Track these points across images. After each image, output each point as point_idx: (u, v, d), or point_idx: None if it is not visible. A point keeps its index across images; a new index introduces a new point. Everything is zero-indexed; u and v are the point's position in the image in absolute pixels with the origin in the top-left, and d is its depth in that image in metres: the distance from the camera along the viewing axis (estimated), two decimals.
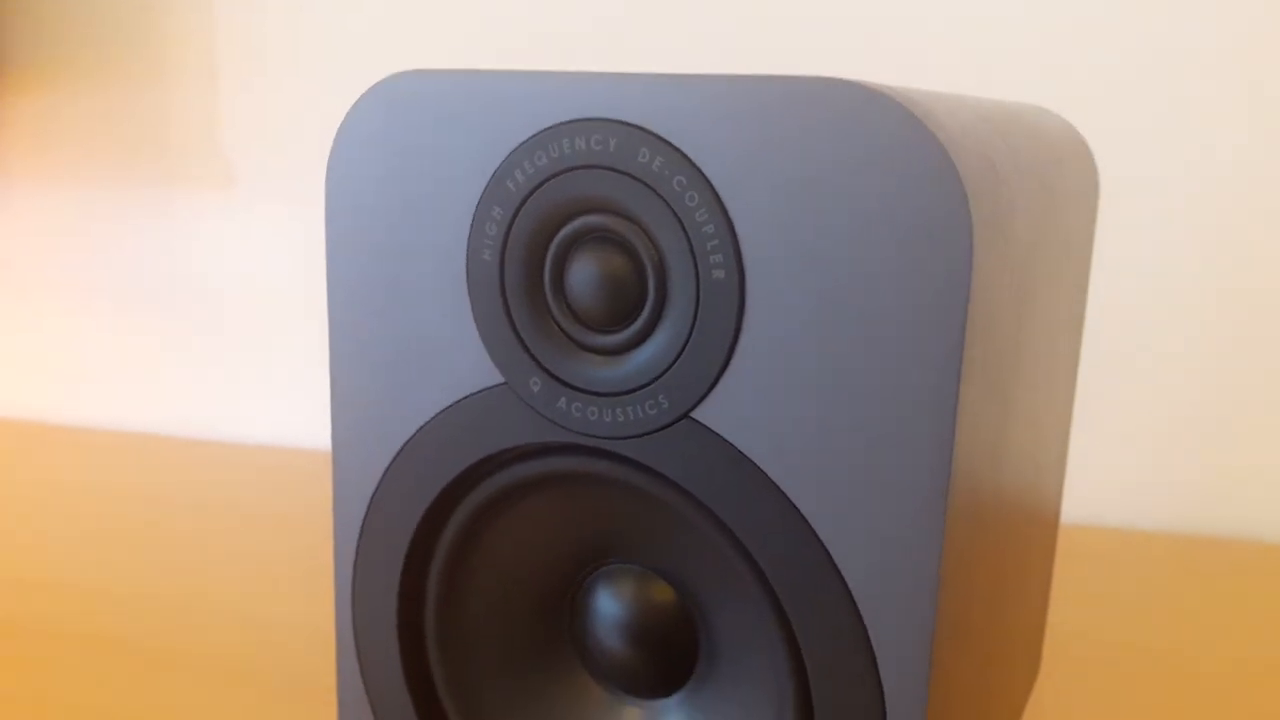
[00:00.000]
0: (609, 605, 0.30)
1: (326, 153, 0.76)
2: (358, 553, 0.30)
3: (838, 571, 0.24)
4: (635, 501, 0.28)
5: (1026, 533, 0.34)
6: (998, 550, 0.29)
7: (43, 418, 0.86)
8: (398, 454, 0.29)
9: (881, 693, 0.25)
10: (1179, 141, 0.64)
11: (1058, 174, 0.32)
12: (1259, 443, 0.66)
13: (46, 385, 0.85)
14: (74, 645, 0.48)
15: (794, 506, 0.25)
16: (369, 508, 0.30)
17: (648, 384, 0.26)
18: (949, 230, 0.22)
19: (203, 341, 0.81)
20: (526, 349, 0.27)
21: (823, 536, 0.24)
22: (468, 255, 0.27)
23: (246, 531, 0.63)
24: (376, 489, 0.30)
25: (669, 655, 0.30)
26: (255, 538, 0.62)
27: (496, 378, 0.28)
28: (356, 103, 0.28)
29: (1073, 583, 0.59)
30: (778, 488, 0.25)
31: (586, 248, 0.26)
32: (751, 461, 0.25)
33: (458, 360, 0.28)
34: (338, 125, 0.26)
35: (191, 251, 0.80)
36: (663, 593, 0.30)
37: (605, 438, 0.26)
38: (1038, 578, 0.38)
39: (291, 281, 0.78)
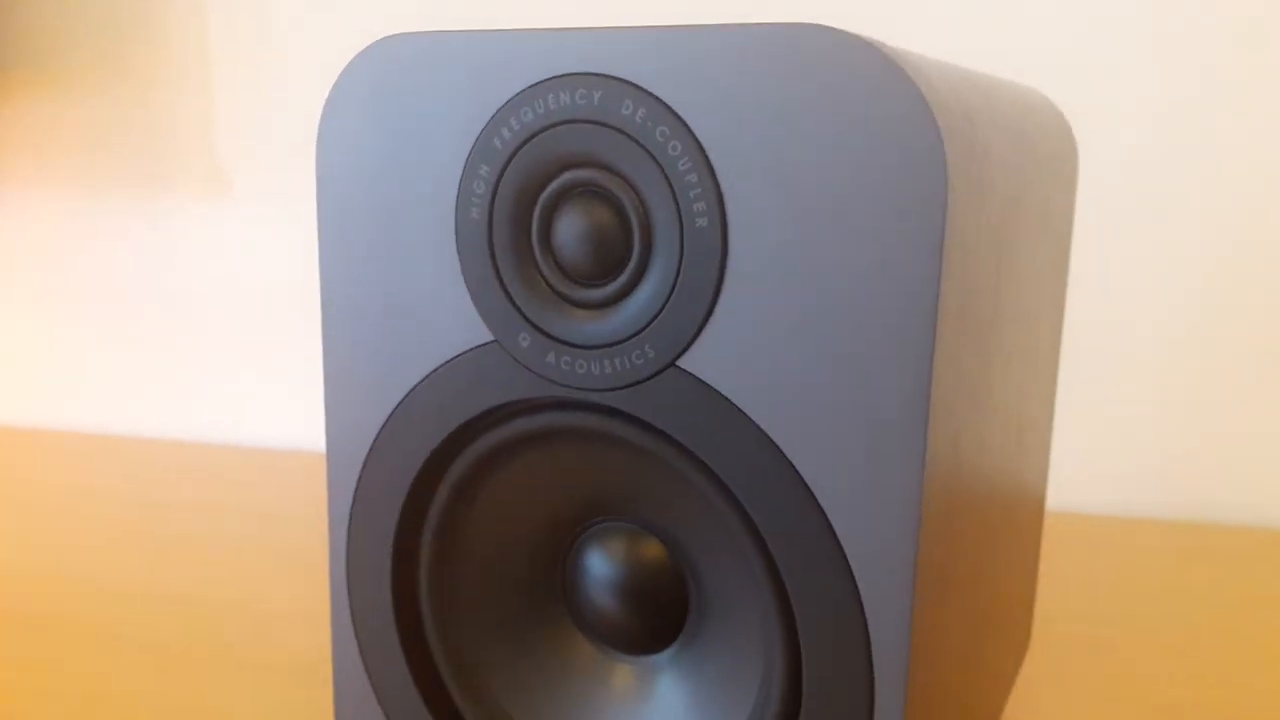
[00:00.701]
0: (600, 563, 0.30)
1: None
2: (352, 513, 0.31)
3: (821, 511, 0.25)
4: (625, 456, 0.28)
5: (1011, 489, 0.34)
6: (981, 498, 0.30)
7: (39, 423, 0.86)
8: (390, 415, 0.30)
9: (868, 637, 0.25)
10: (1167, 129, 0.64)
11: (1036, 138, 0.33)
12: (1246, 429, 0.66)
13: (43, 391, 0.86)
14: (86, 638, 0.49)
15: (778, 448, 0.25)
16: (363, 469, 0.30)
17: (634, 335, 0.26)
18: (923, 169, 0.23)
19: (198, 345, 0.82)
20: (515, 305, 0.27)
21: (806, 478, 0.25)
22: (456, 214, 0.28)
23: (248, 531, 0.64)
24: (370, 450, 0.30)
25: (659, 612, 0.30)
26: (257, 536, 0.63)
27: (486, 335, 0.28)
28: (346, 68, 0.29)
29: (1063, 569, 0.59)
30: (762, 431, 0.25)
31: (572, 203, 0.26)
32: (736, 407, 0.25)
33: (448, 319, 0.28)
34: None
35: (187, 255, 0.80)
36: (653, 550, 0.30)
37: (594, 390, 0.27)
38: (1024, 543, 0.38)
39: (287, 285, 0.79)
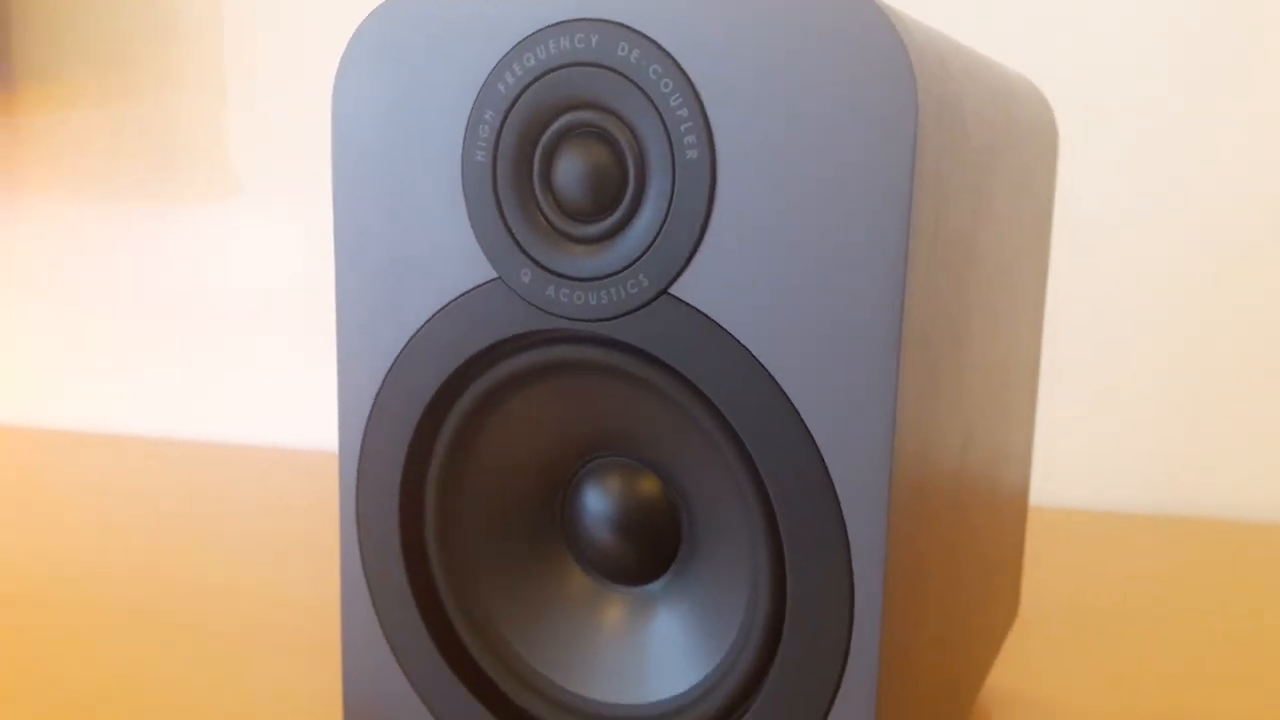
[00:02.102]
0: (597, 497, 0.32)
1: (330, 163, 0.79)
2: (361, 450, 0.32)
3: (805, 428, 0.26)
4: (622, 390, 0.30)
5: (992, 439, 0.35)
6: (959, 434, 0.31)
7: (56, 424, 0.88)
8: (399, 352, 0.31)
9: (848, 552, 0.27)
10: (1162, 124, 0.66)
11: (1013, 104, 0.35)
12: (1233, 426, 0.68)
13: (58, 391, 0.87)
14: (111, 619, 0.50)
15: (763, 368, 0.27)
16: (373, 406, 0.32)
17: (629, 266, 0.28)
18: (896, 99, 0.25)
19: (210, 345, 0.83)
20: (517, 243, 0.29)
21: (790, 395, 0.26)
22: (462, 159, 0.29)
23: (258, 523, 0.65)
24: (379, 387, 0.32)
25: (653, 544, 0.31)
26: (268, 529, 0.64)
27: (490, 273, 0.30)
28: (359, 27, 0.30)
29: (1052, 559, 0.60)
30: (749, 352, 0.27)
31: (572, 143, 0.28)
32: (725, 330, 0.27)
33: (453, 259, 0.30)
34: None
35: (198, 257, 0.82)
36: (648, 484, 0.31)
37: (591, 320, 0.28)
38: (1008, 497, 0.39)
39: (297, 287, 0.81)
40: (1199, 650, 0.48)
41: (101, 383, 0.86)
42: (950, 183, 0.27)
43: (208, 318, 0.83)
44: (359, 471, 0.32)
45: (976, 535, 0.35)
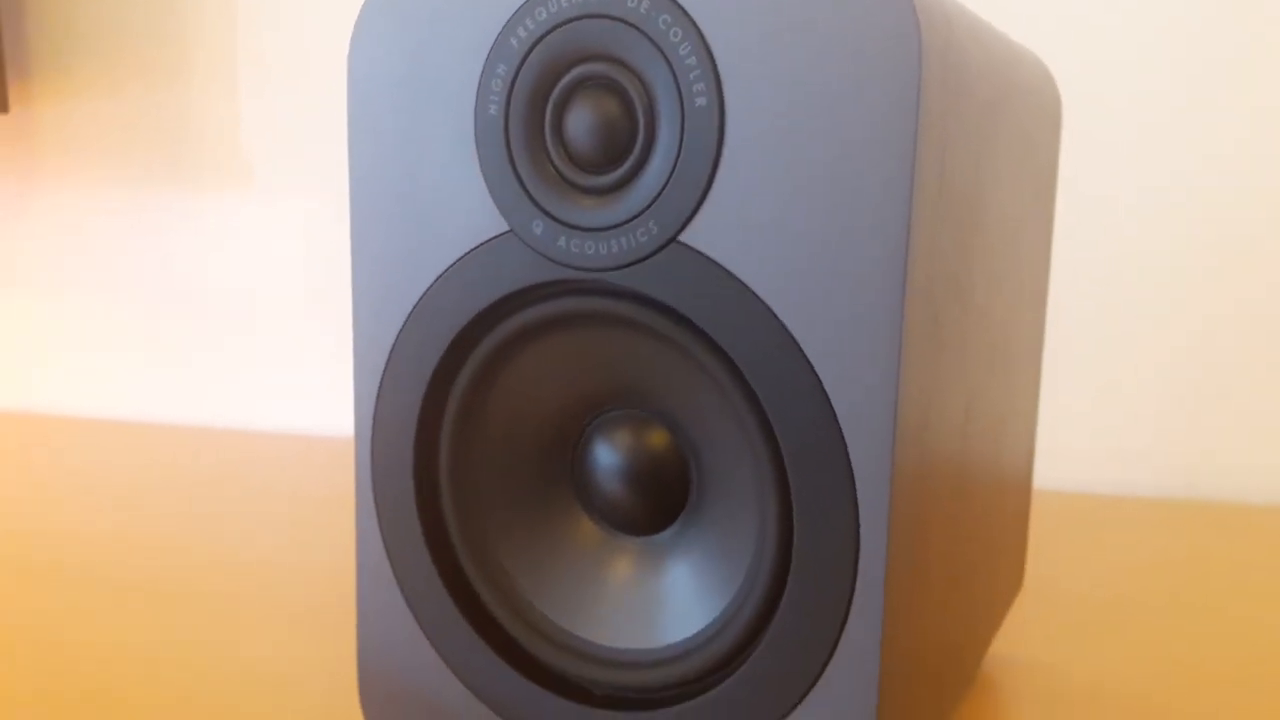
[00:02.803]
0: (608, 449, 0.32)
1: (342, 152, 0.80)
2: (377, 405, 0.33)
3: (812, 369, 0.27)
4: (633, 341, 0.30)
5: (995, 394, 0.36)
6: (961, 384, 0.32)
7: (67, 411, 0.89)
8: (414, 307, 0.32)
9: (854, 494, 0.27)
10: (1161, 120, 0.67)
11: (1016, 69, 0.35)
12: (1237, 412, 0.68)
13: (69, 378, 0.88)
14: (133, 592, 0.51)
15: (771, 312, 0.27)
16: (388, 359, 0.32)
17: (639, 215, 0.28)
18: (901, 50, 0.25)
19: (222, 334, 0.84)
20: (529, 195, 0.30)
21: (798, 338, 0.27)
22: (475, 113, 0.30)
23: (270, 505, 0.66)
24: (395, 341, 0.32)
25: (662, 495, 0.32)
26: (282, 510, 0.65)
27: (502, 226, 0.30)
28: None
29: (1056, 540, 0.61)
30: (757, 297, 0.27)
31: (583, 95, 0.29)
32: (733, 275, 0.27)
33: (466, 213, 0.31)
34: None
35: (211, 248, 0.83)
36: (658, 437, 0.32)
37: (602, 269, 0.29)
38: (1013, 460, 0.40)
39: (309, 275, 0.82)
40: (1197, 622, 0.48)
41: (111, 369, 0.87)
42: (954, 135, 0.28)
43: (220, 306, 0.84)
44: (374, 424, 0.33)
45: (981, 494, 0.35)
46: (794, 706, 0.28)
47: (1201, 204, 0.67)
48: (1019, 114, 0.35)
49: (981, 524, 0.36)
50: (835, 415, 0.27)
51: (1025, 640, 0.46)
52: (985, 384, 0.34)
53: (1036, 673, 0.43)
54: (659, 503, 0.32)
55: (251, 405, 0.85)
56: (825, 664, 0.28)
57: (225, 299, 0.84)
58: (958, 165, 0.29)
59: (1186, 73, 0.66)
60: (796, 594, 0.28)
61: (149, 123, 0.82)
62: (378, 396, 0.33)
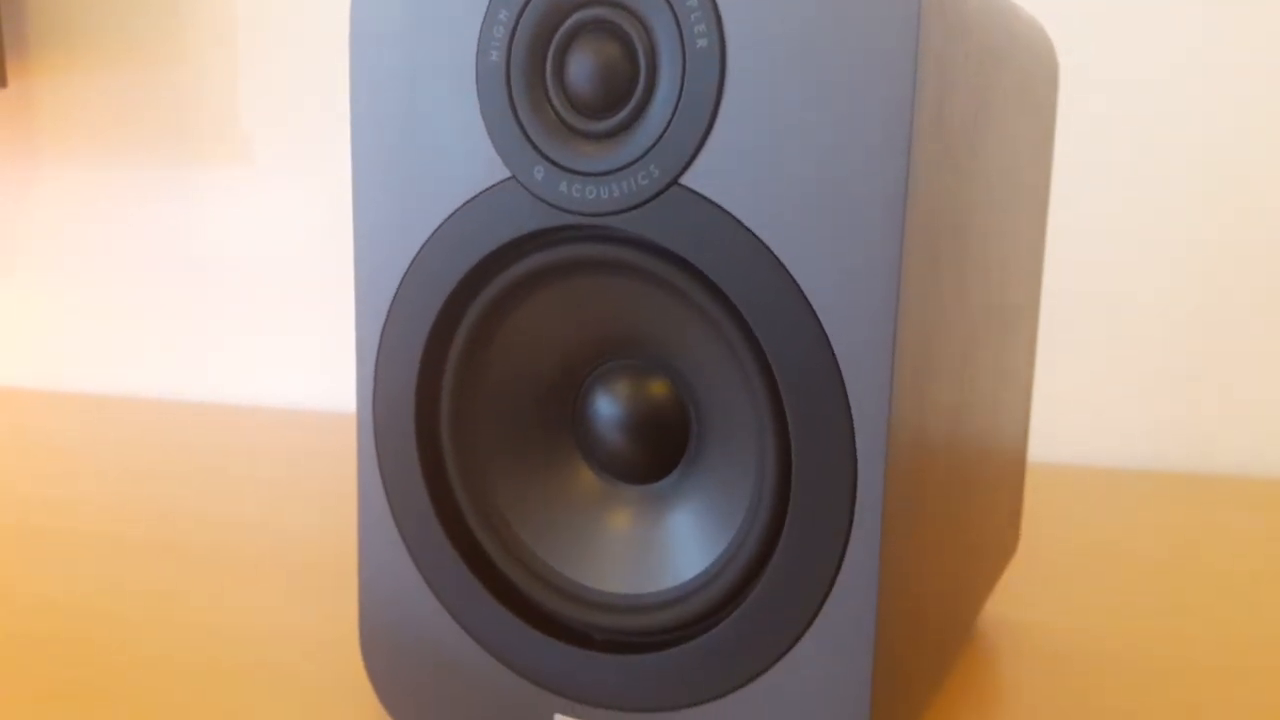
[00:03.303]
0: (608, 400, 0.32)
1: (341, 129, 0.80)
2: (379, 351, 0.33)
3: (810, 309, 0.27)
4: (634, 289, 0.30)
5: (995, 334, 0.36)
6: (959, 327, 0.32)
7: (67, 387, 0.89)
8: (415, 255, 0.32)
9: (852, 431, 0.28)
10: (1168, 79, 0.67)
11: (1016, 21, 0.35)
12: (1239, 384, 0.68)
13: (71, 355, 0.88)
14: (136, 549, 0.51)
15: (771, 252, 0.27)
16: (389, 309, 0.33)
17: (640, 158, 0.28)
18: None
19: (223, 310, 0.84)
20: (530, 141, 0.30)
21: (796, 278, 0.27)
22: (477, 59, 0.30)
23: (271, 477, 0.66)
24: (396, 290, 0.32)
25: (662, 445, 0.32)
26: (281, 481, 0.65)
27: (504, 173, 0.30)
28: None
29: (1051, 510, 0.61)
30: (756, 237, 0.27)
31: (584, 39, 0.29)
32: (733, 217, 0.28)
33: (468, 161, 0.31)
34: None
35: (212, 224, 0.83)
36: (658, 386, 0.32)
37: (604, 214, 0.29)
38: (1010, 415, 0.40)
39: (308, 251, 0.82)
40: (1190, 585, 0.49)
41: (111, 345, 0.87)
42: (953, 75, 0.28)
43: (221, 281, 0.84)
44: (376, 374, 0.33)
45: (977, 443, 0.36)
46: (794, 643, 0.29)
47: (1203, 167, 0.67)
48: (1018, 65, 0.35)
49: (977, 473, 0.36)
50: (835, 356, 0.27)
51: (1021, 602, 0.47)
52: (983, 324, 0.35)
53: (1033, 632, 0.44)
54: (659, 451, 0.32)
55: (251, 379, 0.85)
56: (823, 602, 0.28)
57: (225, 274, 0.84)
58: (956, 110, 0.29)
59: (1194, 39, 0.66)
60: (794, 534, 0.29)
61: (148, 97, 0.82)
62: (380, 347, 0.33)
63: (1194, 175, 0.67)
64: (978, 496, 0.37)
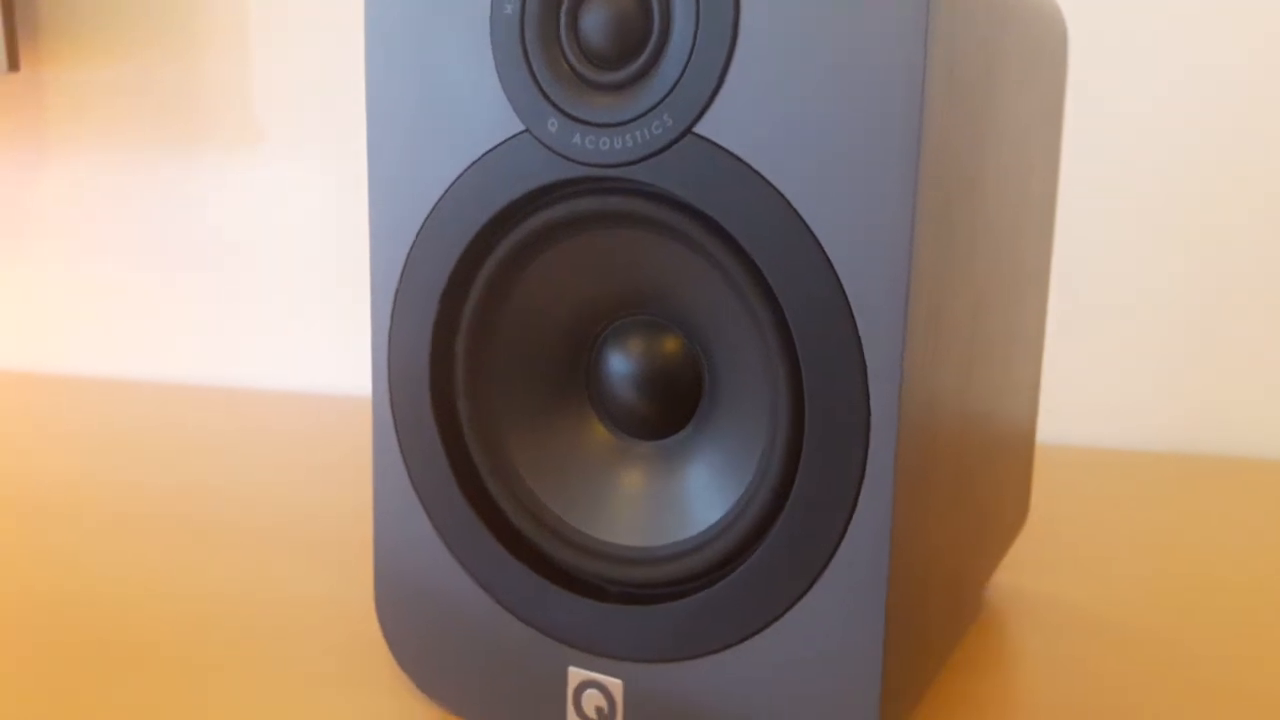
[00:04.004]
0: (621, 356, 0.33)
1: (352, 111, 0.80)
2: (394, 308, 0.33)
3: (825, 256, 0.27)
4: (648, 242, 0.31)
5: (1006, 292, 0.36)
6: (972, 279, 0.32)
7: (79, 371, 0.89)
8: (430, 210, 0.32)
9: (866, 384, 0.28)
10: (1174, 63, 0.67)
11: None
12: (1246, 366, 0.68)
13: (81, 339, 0.89)
14: (158, 525, 0.52)
15: (785, 200, 0.27)
16: (404, 265, 0.33)
17: (654, 108, 0.29)
18: None
19: (235, 292, 0.84)
20: (544, 93, 0.30)
21: (811, 226, 0.27)
22: (490, 12, 0.30)
23: (287, 458, 0.66)
24: (411, 246, 0.33)
25: (675, 400, 0.32)
26: (298, 463, 0.65)
27: (518, 126, 0.31)
28: None
29: (1057, 490, 0.61)
30: (771, 185, 0.28)
31: None
32: (748, 164, 0.28)
33: (482, 114, 0.31)
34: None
35: (223, 206, 0.84)
36: (671, 342, 0.32)
37: (618, 165, 0.29)
38: (1021, 374, 0.40)
39: (321, 233, 0.82)
40: (1199, 562, 0.49)
41: (124, 330, 0.87)
42: (964, 27, 0.28)
43: (232, 264, 0.84)
44: (391, 331, 0.33)
45: (987, 402, 0.36)
46: (806, 589, 0.29)
47: (1211, 149, 0.67)
48: (1028, 25, 0.35)
49: (988, 434, 0.37)
50: (849, 304, 0.27)
51: (1031, 575, 0.47)
52: (994, 293, 0.35)
53: (1041, 603, 0.44)
54: (671, 407, 0.32)
55: (266, 364, 0.85)
56: (835, 550, 0.28)
57: (237, 259, 0.84)
58: (969, 53, 0.29)
59: (1200, 22, 0.66)
60: (806, 484, 0.29)
61: (160, 81, 0.83)
62: (395, 303, 0.33)
63: (1209, 155, 0.67)
64: (988, 458, 0.37)
